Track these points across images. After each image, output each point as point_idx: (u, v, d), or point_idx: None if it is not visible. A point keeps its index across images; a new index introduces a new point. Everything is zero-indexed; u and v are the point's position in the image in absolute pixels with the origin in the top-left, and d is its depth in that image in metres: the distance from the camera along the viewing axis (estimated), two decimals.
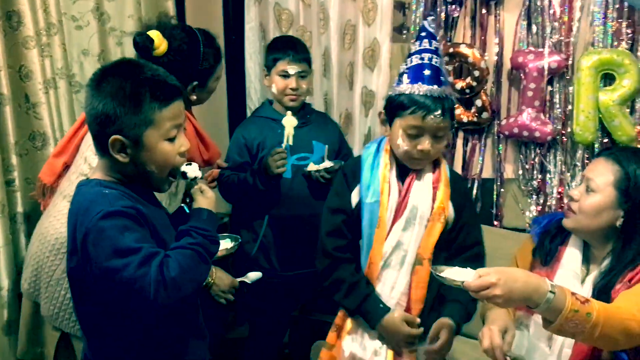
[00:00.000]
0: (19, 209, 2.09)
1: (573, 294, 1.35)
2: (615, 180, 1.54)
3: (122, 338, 1.40)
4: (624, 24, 2.22)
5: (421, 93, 1.68)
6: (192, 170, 1.50)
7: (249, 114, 2.96)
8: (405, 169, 1.79)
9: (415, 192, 1.76)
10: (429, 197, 1.76)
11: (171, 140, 1.38)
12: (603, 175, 1.56)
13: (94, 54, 2.39)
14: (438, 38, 2.42)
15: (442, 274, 1.47)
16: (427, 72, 1.70)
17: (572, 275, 1.58)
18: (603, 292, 1.50)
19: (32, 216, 2.13)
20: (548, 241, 1.67)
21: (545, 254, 1.63)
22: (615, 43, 2.23)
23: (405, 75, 1.72)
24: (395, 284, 1.76)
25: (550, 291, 1.32)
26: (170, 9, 2.64)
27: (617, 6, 2.21)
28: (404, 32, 2.58)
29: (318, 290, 2.12)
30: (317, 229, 1.87)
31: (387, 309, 1.74)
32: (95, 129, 1.36)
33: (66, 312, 1.80)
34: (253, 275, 1.93)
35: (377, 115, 1.82)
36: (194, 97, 1.98)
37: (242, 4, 2.78)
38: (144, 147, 1.35)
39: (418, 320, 1.74)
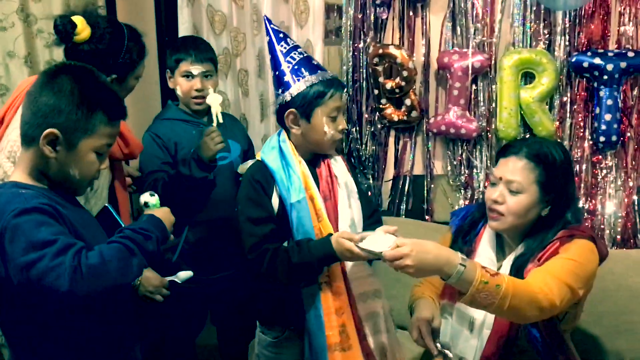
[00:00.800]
0: None
1: (483, 267, 1.43)
2: (535, 178, 1.61)
3: (47, 348, 1.37)
4: (542, 25, 2.34)
5: (326, 78, 1.79)
6: (154, 200, 1.69)
7: None
8: (313, 161, 1.85)
9: (339, 173, 1.85)
10: (348, 172, 1.88)
11: (99, 155, 1.41)
12: (523, 174, 1.61)
13: (20, 56, 2.34)
14: (368, 40, 2.51)
15: (362, 245, 1.57)
16: (314, 62, 1.84)
17: (488, 264, 1.66)
18: (517, 274, 1.58)
19: None
20: (461, 238, 1.75)
21: (460, 249, 1.68)
22: (534, 43, 2.35)
23: (301, 71, 1.79)
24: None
25: (461, 264, 1.40)
26: (99, 9, 2.61)
27: (534, 8, 2.33)
28: (340, 33, 2.62)
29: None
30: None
31: (328, 236, 1.72)
32: (33, 118, 1.35)
33: None
34: (183, 275, 1.91)
35: (285, 118, 1.82)
36: None
37: (174, 6, 2.77)
38: (75, 151, 1.36)
39: (355, 236, 1.67)
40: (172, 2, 2.79)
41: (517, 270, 1.59)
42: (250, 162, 2.11)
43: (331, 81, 1.79)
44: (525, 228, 1.65)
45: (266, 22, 1.89)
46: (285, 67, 1.81)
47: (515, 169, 1.62)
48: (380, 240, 1.56)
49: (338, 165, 1.88)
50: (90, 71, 1.42)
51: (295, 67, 1.80)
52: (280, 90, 1.81)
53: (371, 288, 1.83)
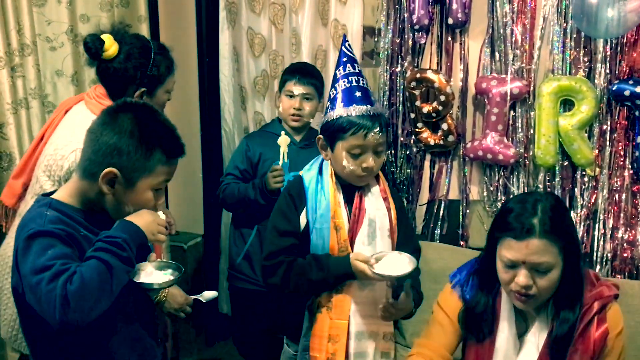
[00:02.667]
0: None
1: None
2: (559, 249, 1.54)
3: (65, 345, 1.38)
4: (582, 53, 2.32)
5: (358, 114, 1.77)
6: None
7: (223, 136, 3.01)
8: (350, 188, 1.85)
9: (369, 207, 1.82)
10: (382, 208, 1.84)
11: (156, 191, 1.43)
12: (549, 253, 1.53)
13: (67, 74, 2.42)
14: (406, 64, 2.53)
15: (376, 269, 1.63)
16: (357, 93, 1.80)
17: (512, 342, 1.62)
18: (558, 354, 1.56)
19: None
20: (478, 320, 1.66)
21: (478, 332, 1.65)
22: (574, 71, 2.34)
23: (337, 100, 1.81)
24: (375, 297, 1.79)
25: None
26: (144, 31, 2.69)
27: (574, 36, 2.32)
28: (375, 56, 2.65)
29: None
30: None
31: (347, 255, 1.75)
32: (94, 156, 1.37)
33: (21, 333, 1.79)
34: (208, 295, 1.91)
35: (316, 141, 1.89)
36: None
37: (216, 28, 2.83)
38: (134, 189, 1.39)
39: (371, 259, 1.71)
40: (213, 24, 2.86)
41: (559, 350, 1.56)
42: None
43: (362, 117, 1.76)
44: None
45: (343, 42, 1.90)
46: (331, 92, 1.85)
47: (539, 250, 1.52)
48: (397, 263, 1.58)
49: (371, 197, 1.85)
50: (150, 109, 1.45)
51: (336, 95, 1.82)
52: (324, 113, 1.86)
53: (370, 329, 1.82)
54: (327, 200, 1.80)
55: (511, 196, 2.47)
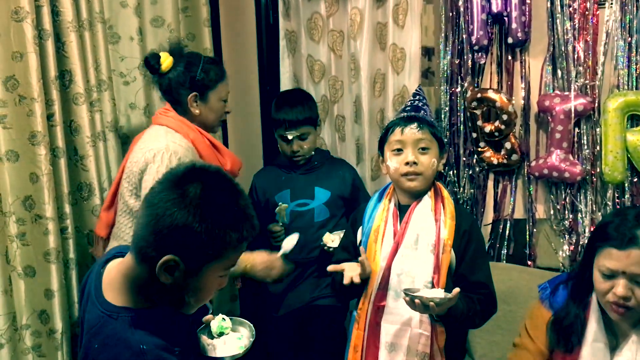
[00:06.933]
0: (71, 255, 2.20)
1: None
2: None
3: None
4: None
5: (398, 117, 1.90)
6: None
7: None
8: (404, 207, 1.90)
9: (416, 221, 1.85)
10: (430, 224, 1.83)
11: (221, 276, 1.22)
12: None
13: (140, 107, 2.54)
14: (466, 84, 2.54)
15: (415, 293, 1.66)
16: (407, 108, 1.93)
17: (601, 355, 1.59)
18: None
19: (82, 262, 2.24)
20: (567, 330, 1.63)
21: (567, 342, 1.63)
22: None
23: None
24: (407, 312, 1.79)
25: None
26: None
27: None
28: (429, 75, 2.67)
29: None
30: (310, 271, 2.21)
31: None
32: (150, 236, 1.13)
33: None
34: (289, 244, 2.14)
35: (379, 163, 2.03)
36: (197, 111, 2.08)
37: (276, 56, 2.92)
38: (199, 276, 1.17)
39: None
40: (274, 52, 2.95)
41: None
42: (336, 235, 2.29)
43: (400, 118, 1.89)
44: None
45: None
46: None
47: (638, 260, 1.50)
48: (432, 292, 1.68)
49: (422, 211, 1.86)
50: (222, 178, 1.20)
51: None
52: None
53: (400, 342, 1.81)
54: (377, 214, 1.91)
55: (579, 214, 2.44)
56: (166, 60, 2.03)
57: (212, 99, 2.11)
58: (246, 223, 1.18)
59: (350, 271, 1.80)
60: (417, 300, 1.64)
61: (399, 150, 1.85)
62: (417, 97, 1.97)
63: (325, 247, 2.30)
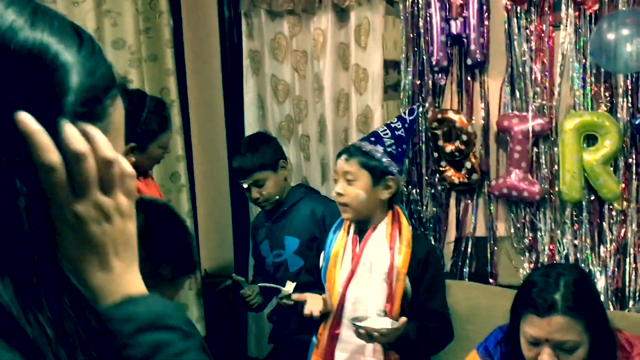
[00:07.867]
0: None
1: None
2: (583, 327, 1.48)
3: None
4: (602, 88, 2.33)
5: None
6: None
7: None
8: (362, 231, 1.93)
9: (370, 248, 1.87)
10: (384, 251, 1.85)
11: None
12: (572, 331, 1.47)
13: None
14: (427, 105, 2.56)
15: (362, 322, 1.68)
16: (373, 134, 1.98)
17: None
18: None
19: None
20: None
21: None
22: (595, 106, 2.35)
23: None
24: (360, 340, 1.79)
25: None
26: (171, 82, 2.77)
27: (594, 71, 2.34)
28: (399, 89, 2.67)
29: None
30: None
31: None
32: None
33: None
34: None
35: None
36: (132, 159, 1.97)
37: (240, 76, 2.92)
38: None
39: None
40: (237, 72, 2.95)
41: None
42: (292, 287, 2.20)
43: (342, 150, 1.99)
44: None
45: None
46: None
47: (562, 328, 1.46)
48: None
49: (377, 238, 1.89)
50: (169, 214, 1.22)
51: None
52: None
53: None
54: (336, 239, 1.94)
55: (539, 232, 2.47)
56: None
57: (152, 148, 2.01)
58: (182, 258, 1.18)
59: (312, 305, 1.78)
60: (361, 330, 1.64)
61: (336, 180, 1.93)
62: (389, 123, 2.01)
63: (282, 301, 2.18)
